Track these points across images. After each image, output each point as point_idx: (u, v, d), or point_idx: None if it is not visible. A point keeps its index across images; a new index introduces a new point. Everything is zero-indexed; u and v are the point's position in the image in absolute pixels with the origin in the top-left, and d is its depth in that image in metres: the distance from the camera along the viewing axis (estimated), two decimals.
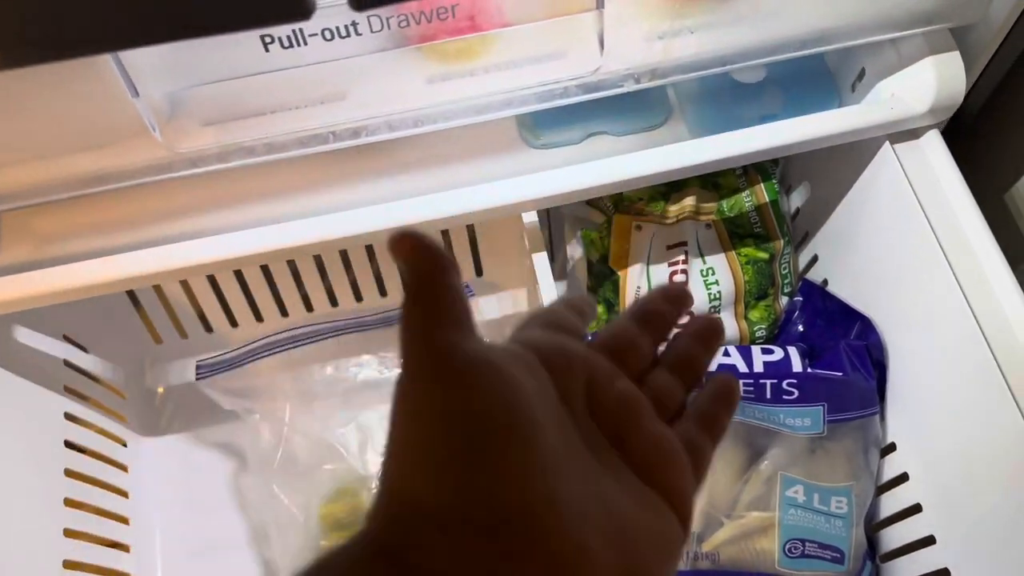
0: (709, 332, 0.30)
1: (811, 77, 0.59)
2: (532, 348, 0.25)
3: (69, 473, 0.62)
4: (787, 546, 0.62)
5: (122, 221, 0.58)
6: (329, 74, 0.46)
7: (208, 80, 0.44)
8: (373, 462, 0.66)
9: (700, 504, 0.64)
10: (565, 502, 0.21)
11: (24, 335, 0.61)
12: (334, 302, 0.76)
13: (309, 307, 0.76)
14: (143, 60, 0.42)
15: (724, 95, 0.58)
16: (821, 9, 0.48)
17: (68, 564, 0.60)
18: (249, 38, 0.42)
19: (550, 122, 0.57)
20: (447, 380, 0.21)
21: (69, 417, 0.64)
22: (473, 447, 0.20)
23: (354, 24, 0.43)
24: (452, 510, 0.20)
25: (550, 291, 0.57)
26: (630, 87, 0.48)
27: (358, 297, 0.76)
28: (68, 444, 0.63)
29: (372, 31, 0.44)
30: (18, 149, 0.45)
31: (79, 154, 0.46)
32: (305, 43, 0.43)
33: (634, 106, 0.57)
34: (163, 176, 0.47)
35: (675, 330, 0.30)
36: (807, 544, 0.62)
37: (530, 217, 0.59)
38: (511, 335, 0.27)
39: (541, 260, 0.58)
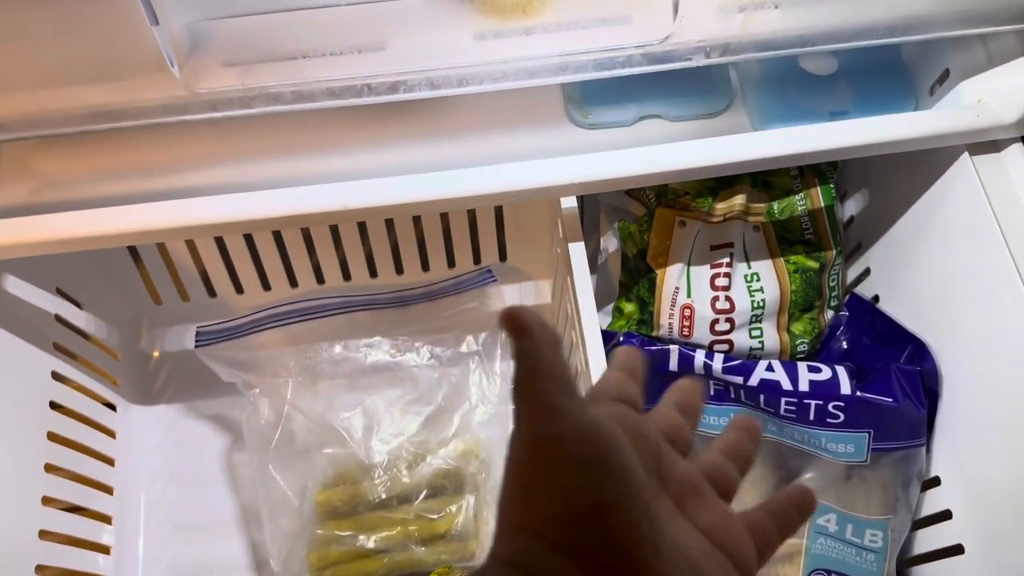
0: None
1: (886, 74, 0.54)
2: (615, 418, 0.27)
3: (52, 437, 0.58)
4: None
5: (129, 169, 0.54)
6: (369, 20, 0.42)
7: (236, 12, 0.39)
8: (377, 450, 0.62)
9: None
10: (664, 551, 0.24)
11: (14, 285, 0.57)
12: (347, 276, 0.71)
13: (320, 279, 0.71)
14: None
15: (792, 86, 0.53)
16: None
17: (44, 534, 0.56)
18: None
19: (601, 99, 0.52)
20: (565, 435, 0.24)
21: (56, 377, 0.60)
22: (589, 494, 0.23)
23: None
24: (577, 546, 0.23)
25: (585, 284, 0.52)
26: (699, 61, 0.44)
27: (373, 272, 0.72)
28: (53, 405, 0.59)
29: None
30: (21, 75, 0.40)
31: (88, 85, 0.41)
32: None
33: (694, 89, 0.52)
34: (178, 117, 0.43)
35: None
36: None
37: (569, 203, 0.54)
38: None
39: (578, 250, 0.53)
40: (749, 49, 0.44)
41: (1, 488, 0.53)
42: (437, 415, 0.65)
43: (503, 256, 0.73)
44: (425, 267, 0.72)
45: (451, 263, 0.72)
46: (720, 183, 0.60)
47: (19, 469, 0.55)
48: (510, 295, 0.73)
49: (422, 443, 0.63)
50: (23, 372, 0.57)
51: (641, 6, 0.42)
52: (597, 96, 0.52)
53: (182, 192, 0.50)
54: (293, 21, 0.41)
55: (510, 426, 0.68)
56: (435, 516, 0.62)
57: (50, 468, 0.57)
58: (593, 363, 0.50)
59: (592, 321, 0.51)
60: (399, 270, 0.72)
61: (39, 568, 0.54)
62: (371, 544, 0.61)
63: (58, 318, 0.61)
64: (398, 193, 0.47)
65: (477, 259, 0.72)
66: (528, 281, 0.74)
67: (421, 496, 0.62)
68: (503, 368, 0.67)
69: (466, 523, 0.62)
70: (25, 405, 0.56)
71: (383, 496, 0.61)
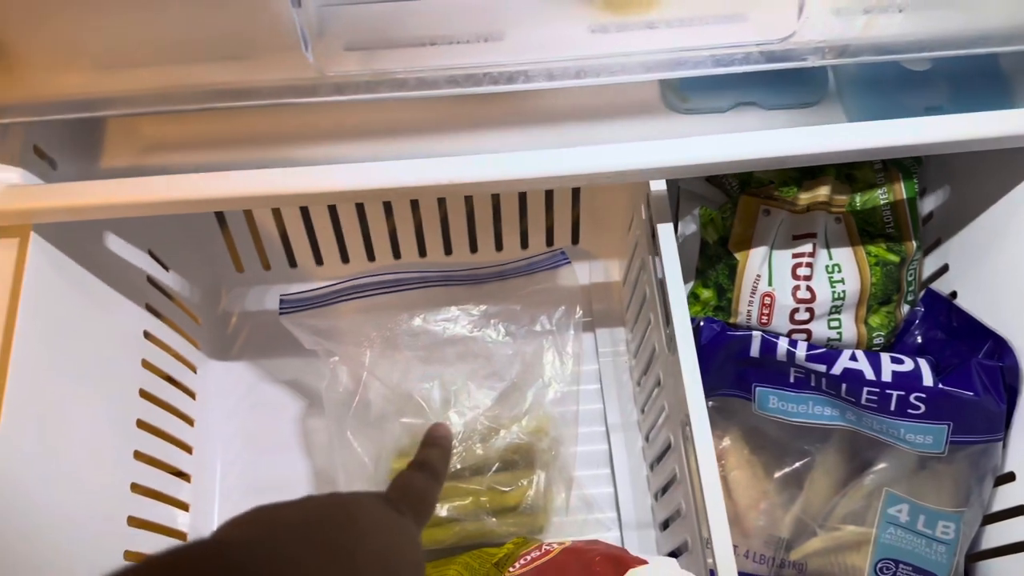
0: None
1: (983, 71, 0.55)
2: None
3: (143, 394, 0.60)
4: (879, 565, 0.59)
5: (232, 137, 0.56)
6: (488, 9, 0.43)
7: None
8: (453, 422, 0.63)
9: (794, 510, 0.60)
10: None
11: (114, 243, 0.59)
12: (423, 252, 0.73)
13: (397, 254, 0.73)
14: None
15: (888, 80, 0.54)
16: None
17: (136, 487, 0.58)
18: None
19: (699, 85, 0.53)
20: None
21: (148, 336, 0.62)
22: None
23: None
24: None
25: (674, 264, 0.53)
26: (814, 62, 0.44)
27: (448, 250, 0.73)
28: (145, 364, 0.61)
29: None
30: (155, 51, 0.42)
31: (219, 63, 0.43)
32: None
33: (791, 79, 0.53)
34: (304, 99, 0.44)
35: None
36: (900, 566, 0.58)
37: (658, 185, 0.55)
38: None
39: (667, 231, 0.54)
40: (867, 52, 0.44)
41: (103, 440, 0.55)
42: (511, 391, 0.66)
43: (575, 239, 0.74)
44: (499, 247, 0.73)
45: (524, 244, 0.73)
46: (804, 173, 0.61)
47: (117, 422, 0.57)
48: (580, 277, 0.74)
49: (496, 417, 0.65)
50: (121, 329, 0.58)
51: (760, 4, 0.42)
52: (696, 82, 0.53)
53: (281, 163, 0.51)
54: (416, 9, 0.42)
55: (581, 406, 0.69)
56: (506, 489, 0.63)
57: (141, 424, 0.59)
58: (681, 341, 0.51)
59: (680, 299, 0.52)
60: (473, 248, 0.73)
61: (131, 520, 0.56)
62: (443, 512, 0.62)
63: (149, 279, 0.63)
64: (506, 169, 0.48)
65: (550, 241, 0.74)
66: (596, 261, 0.75)
67: (493, 469, 0.64)
68: (575, 348, 0.68)
69: (536, 497, 0.63)
70: (122, 361, 0.58)
71: (457, 467, 0.63)
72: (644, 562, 0.47)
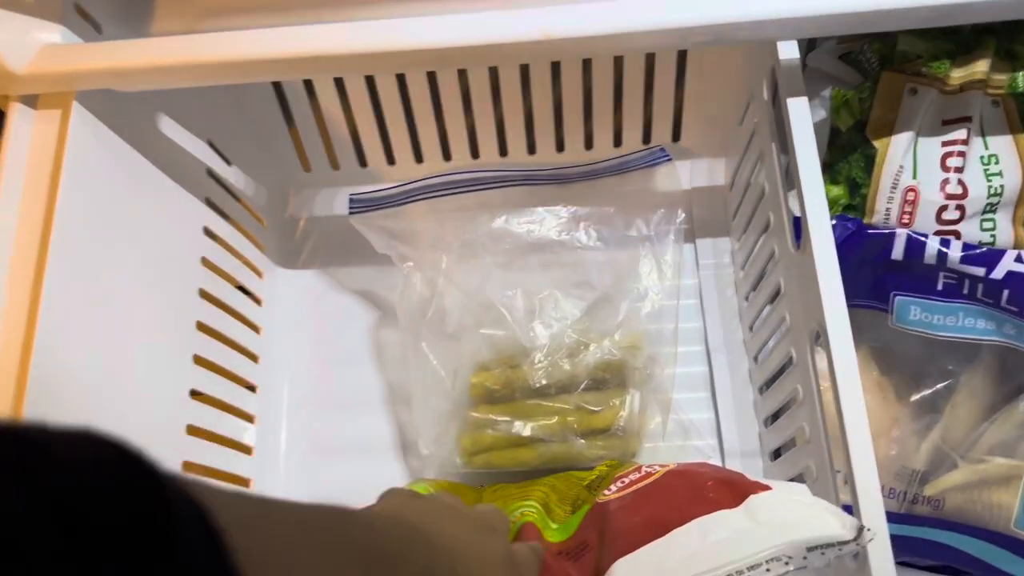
0: None
1: None
2: None
3: (204, 295, 0.55)
4: None
5: (290, 3, 0.49)
6: None
7: None
8: (540, 335, 0.57)
9: (931, 438, 0.52)
10: None
11: (168, 127, 0.53)
12: (503, 151, 0.66)
13: (476, 153, 0.66)
14: None
15: None
16: None
17: (195, 394, 0.53)
18: None
19: None
20: None
21: (208, 233, 0.56)
22: None
23: None
24: None
25: (808, 141, 0.45)
26: None
27: (531, 148, 0.66)
28: (205, 262, 0.56)
29: None
30: None
31: None
32: None
33: None
34: None
35: None
36: None
37: (789, 51, 0.47)
38: None
39: (799, 106, 0.46)
40: None
41: (158, 341, 0.50)
42: (602, 302, 0.59)
43: (676, 135, 0.66)
44: (588, 144, 0.66)
45: (617, 141, 0.66)
46: (959, 47, 0.52)
47: (174, 323, 0.52)
48: (681, 179, 0.66)
49: (585, 331, 0.58)
50: (178, 221, 0.53)
51: None
52: None
53: None
54: None
55: (680, 324, 0.61)
56: (596, 409, 0.57)
57: (202, 327, 0.55)
58: (816, 233, 0.43)
59: (816, 184, 0.44)
60: (560, 147, 0.66)
61: (190, 428, 0.52)
62: (527, 432, 0.56)
63: (209, 172, 0.58)
64: (612, 22, 0.41)
65: (647, 138, 0.66)
66: (701, 163, 0.67)
67: (581, 387, 0.57)
68: (675, 258, 0.61)
69: (629, 420, 0.57)
70: (180, 257, 0.53)
71: (543, 382, 0.57)
72: (767, 487, 0.40)
